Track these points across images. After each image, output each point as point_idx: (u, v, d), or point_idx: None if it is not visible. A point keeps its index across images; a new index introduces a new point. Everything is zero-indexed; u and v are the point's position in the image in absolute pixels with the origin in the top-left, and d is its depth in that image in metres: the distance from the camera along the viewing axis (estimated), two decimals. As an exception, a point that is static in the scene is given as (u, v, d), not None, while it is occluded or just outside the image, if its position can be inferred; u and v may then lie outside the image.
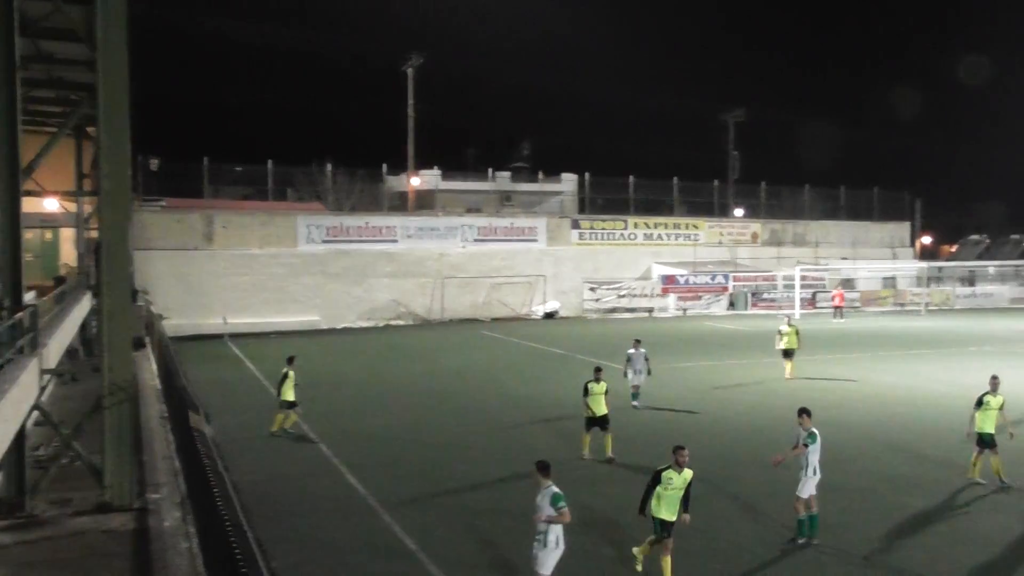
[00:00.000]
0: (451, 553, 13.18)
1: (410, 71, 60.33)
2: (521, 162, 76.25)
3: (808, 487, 13.50)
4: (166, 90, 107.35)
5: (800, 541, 13.43)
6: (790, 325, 29.65)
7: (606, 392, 19.26)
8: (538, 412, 24.17)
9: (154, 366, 29.70)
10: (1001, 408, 16.78)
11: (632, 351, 24.48)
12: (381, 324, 52.38)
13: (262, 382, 29.32)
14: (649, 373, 24.55)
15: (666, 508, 12.02)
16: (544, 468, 11.31)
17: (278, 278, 50.56)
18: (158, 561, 12.19)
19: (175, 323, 41.75)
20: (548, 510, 10.88)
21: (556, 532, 10.88)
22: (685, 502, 12.11)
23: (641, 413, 23.40)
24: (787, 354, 29.24)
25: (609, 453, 18.75)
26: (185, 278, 47.86)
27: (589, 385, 19.28)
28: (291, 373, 21.58)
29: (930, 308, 61.52)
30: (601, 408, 19.05)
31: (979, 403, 16.87)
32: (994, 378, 17.41)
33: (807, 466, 13.56)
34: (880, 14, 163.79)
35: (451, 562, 12.83)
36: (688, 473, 12.12)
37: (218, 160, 54.70)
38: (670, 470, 12.06)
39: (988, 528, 14.36)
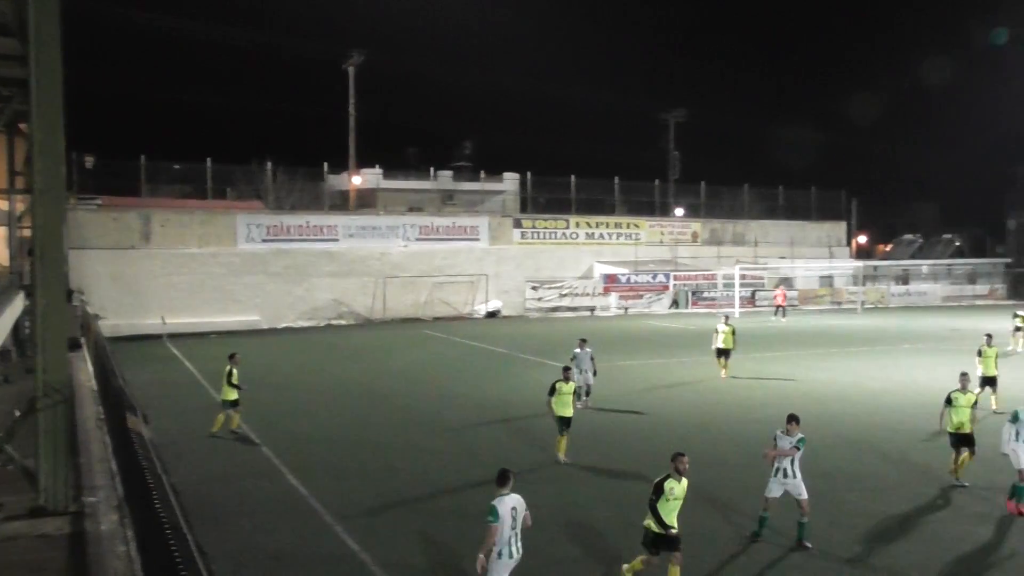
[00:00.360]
0: (394, 555, 13.09)
1: (351, 69, 60.01)
2: (463, 161, 76.29)
3: (803, 489, 13.44)
4: (102, 86, 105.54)
5: (809, 544, 13.27)
6: (727, 324, 29.65)
7: (574, 393, 19.09)
8: (482, 412, 24.14)
9: (90, 367, 29.23)
10: (974, 406, 16.71)
11: (578, 351, 24.14)
12: (322, 324, 52.08)
13: (202, 383, 28.95)
14: (595, 373, 24.27)
15: (668, 520, 11.36)
16: (497, 478, 10.59)
17: (217, 277, 50.03)
18: (95, 565, 11.97)
19: (112, 323, 41.20)
20: None
21: (501, 544, 10.18)
22: None
23: (587, 413, 23.04)
24: (722, 353, 29.30)
25: (561, 455, 18.39)
26: (122, 278, 47.18)
27: (557, 384, 18.53)
28: (235, 370, 21.18)
29: (866, 306, 62.67)
30: (567, 409, 18.43)
31: (948, 401, 16.72)
32: (964, 375, 17.24)
33: (793, 466, 13.44)
34: (818, 18, 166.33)
35: (395, 565, 12.74)
36: (686, 481, 11.54)
37: (155, 158, 54.07)
38: (670, 479, 11.37)
39: (929, 523, 14.61)
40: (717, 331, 29.50)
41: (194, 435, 21.14)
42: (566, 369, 19.40)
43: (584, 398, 23.79)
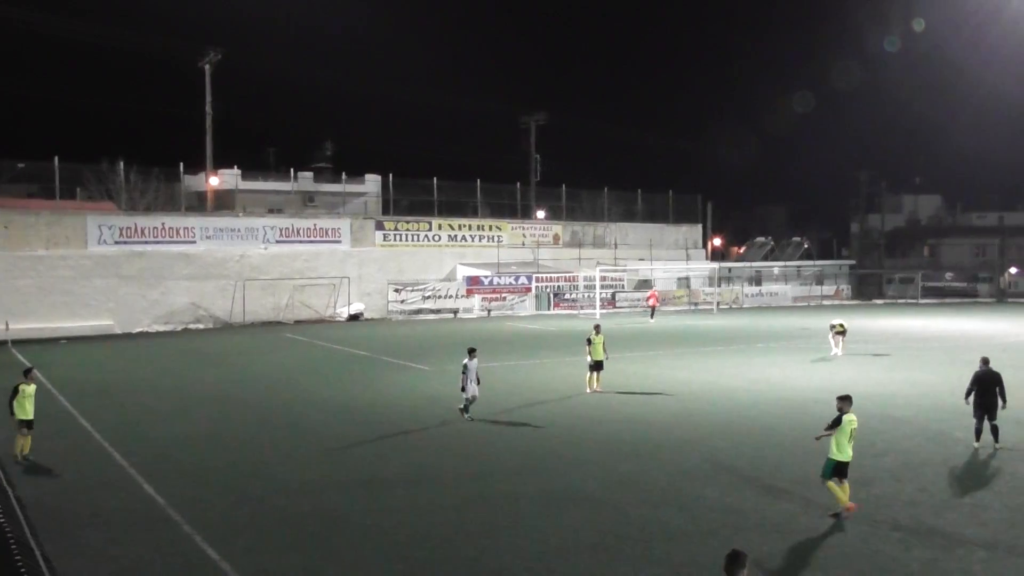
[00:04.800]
0: (256, 563, 12.83)
1: (208, 67, 58.63)
2: (324, 162, 75.57)
3: None
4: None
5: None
6: (598, 333, 26.91)
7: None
8: (345, 415, 23.85)
9: (-73, 376, 27.77)
10: None
11: (467, 361, 22.61)
12: (179, 328, 50.80)
13: (51, 391, 27.80)
14: (479, 382, 22.85)
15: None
16: (727, 561, 8.16)
17: (67, 281, 48.26)
18: (-67, 585, 11.37)
19: (-51, 329, 39.27)
20: None
21: None
22: None
23: (473, 425, 22.45)
24: (597, 366, 26.62)
25: (846, 503, 14.58)
26: (-39, 281, 45.02)
27: (844, 418, 14.67)
28: (22, 387, 18.96)
29: (721, 307, 64.61)
30: (845, 452, 14.67)
31: None
32: None
33: None
34: (675, 25, 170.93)
35: (256, 572, 12.49)
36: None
37: (-3, 156, 51.90)
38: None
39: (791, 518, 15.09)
40: (590, 342, 26.72)
41: (41, 446, 20.17)
42: (845, 399, 14.91)
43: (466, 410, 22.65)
